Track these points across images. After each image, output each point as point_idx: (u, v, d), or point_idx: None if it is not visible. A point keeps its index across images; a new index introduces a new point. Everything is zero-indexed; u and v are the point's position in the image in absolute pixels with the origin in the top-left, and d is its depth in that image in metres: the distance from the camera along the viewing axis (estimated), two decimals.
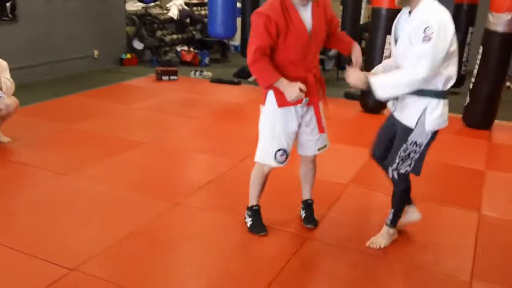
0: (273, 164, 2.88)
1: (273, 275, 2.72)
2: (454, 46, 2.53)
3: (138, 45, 8.49)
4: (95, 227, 3.15)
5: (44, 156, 4.23)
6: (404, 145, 2.69)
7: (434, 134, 2.69)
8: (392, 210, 2.98)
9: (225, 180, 3.94)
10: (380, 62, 5.59)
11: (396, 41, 2.71)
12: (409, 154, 2.71)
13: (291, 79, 2.65)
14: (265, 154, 2.88)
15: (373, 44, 5.85)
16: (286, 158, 2.87)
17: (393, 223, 3.00)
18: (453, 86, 7.40)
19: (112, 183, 3.76)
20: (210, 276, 2.71)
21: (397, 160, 2.74)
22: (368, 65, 5.44)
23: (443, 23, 2.45)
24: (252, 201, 3.14)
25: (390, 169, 2.82)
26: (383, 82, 2.59)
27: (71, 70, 7.29)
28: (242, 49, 8.56)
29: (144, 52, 8.68)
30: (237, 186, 3.84)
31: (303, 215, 3.24)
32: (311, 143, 2.96)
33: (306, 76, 2.73)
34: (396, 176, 2.82)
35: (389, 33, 5.86)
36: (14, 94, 4.39)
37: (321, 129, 2.91)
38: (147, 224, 3.19)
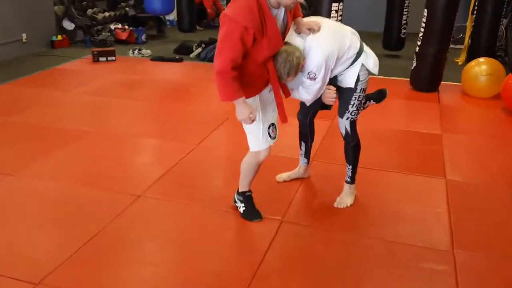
0: (269, 143, 2.79)
1: (256, 263, 2.59)
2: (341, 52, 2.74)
3: (68, 25, 7.94)
4: (54, 232, 2.88)
5: None
6: (355, 94, 2.90)
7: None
8: (350, 166, 3.14)
9: (185, 166, 3.73)
10: None
11: None
12: (360, 102, 2.94)
13: (254, 77, 2.60)
14: (259, 141, 2.78)
15: (319, 13, 5.72)
16: (276, 130, 2.82)
17: (353, 179, 3.17)
18: (393, 49, 7.57)
19: (64, 180, 3.47)
20: (187, 271, 2.55)
21: (350, 109, 2.92)
22: None
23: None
24: (244, 187, 3.00)
25: (342, 121, 2.97)
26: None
27: None
28: (179, 24, 8.23)
29: (76, 33, 8.14)
30: (198, 171, 3.66)
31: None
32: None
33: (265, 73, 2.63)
34: (349, 127, 2.98)
35: (335, 1, 5.83)
36: None
37: (283, 119, 2.75)
38: (111, 223, 2.94)
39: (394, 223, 3.01)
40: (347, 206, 3.15)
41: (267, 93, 2.76)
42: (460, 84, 5.78)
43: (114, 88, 5.75)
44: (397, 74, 6.34)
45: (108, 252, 2.69)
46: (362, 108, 3.02)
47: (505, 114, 5.01)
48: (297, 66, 2.58)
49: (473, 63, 5.67)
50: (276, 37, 2.49)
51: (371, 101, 3.17)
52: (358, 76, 2.85)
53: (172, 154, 3.91)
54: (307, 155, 3.42)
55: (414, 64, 5.79)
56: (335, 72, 2.83)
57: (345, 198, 3.18)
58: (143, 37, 8.22)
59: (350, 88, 2.89)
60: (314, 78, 2.68)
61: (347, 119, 2.97)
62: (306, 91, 2.78)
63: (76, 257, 2.62)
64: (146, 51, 7.35)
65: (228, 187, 3.24)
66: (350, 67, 2.84)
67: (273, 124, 2.80)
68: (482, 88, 5.49)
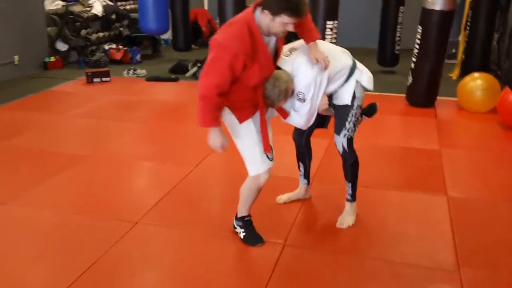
0: (268, 166, 2.73)
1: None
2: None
3: (62, 46, 7.91)
4: (49, 264, 2.79)
5: None
6: (352, 111, 2.89)
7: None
8: (350, 184, 3.11)
9: (183, 190, 3.66)
10: None
11: None
12: (357, 119, 2.93)
13: (246, 101, 2.59)
14: (257, 164, 2.71)
15: None
16: (272, 151, 2.76)
17: (353, 196, 3.14)
18: (388, 65, 7.55)
19: (59, 208, 3.38)
20: None
21: (347, 126, 2.91)
22: None
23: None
24: (243, 212, 2.93)
25: (340, 138, 2.95)
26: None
27: None
28: (174, 42, 8.22)
29: (70, 54, 8.11)
30: (196, 194, 3.61)
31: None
32: None
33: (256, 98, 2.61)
34: (346, 145, 2.95)
35: (329, 19, 5.84)
36: None
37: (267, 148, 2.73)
38: (107, 252, 2.85)
39: (397, 243, 2.97)
40: (349, 226, 3.12)
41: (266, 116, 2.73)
42: (456, 99, 5.78)
43: (109, 110, 5.70)
44: (393, 90, 6.34)
45: (105, 283, 2.61)
46: (358, 125, 3.00)
47: (502, 129, 5.01)
48: (286, 90, 2.60)
49: (468, 78, 5.68)
50: (268, 63, 2.49)
51: (363, 116, 3.12)
52: (354, 92, 2.85)
53: (170, 177, 3.85)
54: (306, 175, 3.38)
55: (410, 80, 5.79)
56: (330, 90, 2.82)
57: (347, 218, 3.15)
58: (138, 57, 8.20)
59: (346, 105, 2.88)
60: (303, 99, 2.68)
61: (344, 136, 2.95)
62: (298, 114, 2.76)
63: None
64: (141, 71, 7.32)
65: (228, 210, 3.19)
66: (345, 84, 2.84)
67: (270, 146, 2.75)
68: (478, 103, 5.50)
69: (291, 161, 3.44)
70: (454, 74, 7.18)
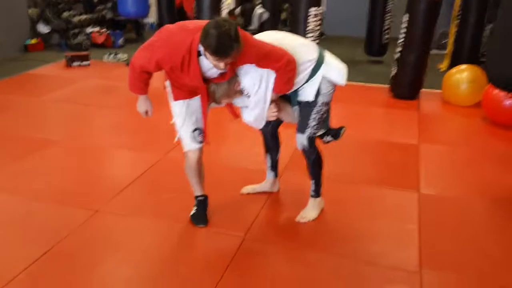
0: (195, 146, 2.79)
1: (214, 282, 2.45)
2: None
3: (43, 28, 7.73)
4: (1, 250, 2.70)
5: None
6: (316, 108, 2.75)
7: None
8: (313, 181, 3.00)
9: (149, 179, 3.56)
10: (303, 35, 5.42)
11: None
12: (322, 115, 2.79)
13: (181, 84, 2.65)
14: (186, 143, 2.81)
15: (296, 18, 5.58)
16: (203, 136, 2.80)
17: (317, 192, 3.04)
18: (375, 55, 7.37)
19: (19, 194, 3.29)
20: None
21: (310, 123, 2.78)
22: None
23: None
24: (196, 192, 3.00)
25: (302, 136, 2.81)
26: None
27: None
28: (159, 26, 8.03)
29: (52, 36, 7.93)
30: (162, 184, 3.50)
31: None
32: None
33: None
34: (306, 143, 2.82)
35: (313, 5, 5.69)
36: None
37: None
38: (64, 240, 2.78)
39: (362, 241, 2.86)
40: (309, 221, 3.01)
41: (197, 101, 2.72)
42: (441, 91, 5.65)
43: (86, 95, 5.56)
44: (378, 81, 6.21)
45: (59, 272, 2.53)
46: (323, 123, 2.87)
47: (485, 124, 4.88)
48: (228, 89, 2.58)
49: (454, 70, 5.55)
50: (196, 80, 2.49)
51: (329, 136, 3.03)
52: (319, 89, 2.71)
53: (137, 165, 3.75)
54: (273, 168, 3.27)
55: (394, 71, 5.66)
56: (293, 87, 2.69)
57: (308, 212, 3.05)
58: (120, 41, 8.03)
59: (308, 102, 2.74)
60: (248, 96, 2.62)
61: (308, 134, 2.81)
62: (246, 111, 2.72)
63: (24, 277, 2.47)
64: (122, 56, 7.16)
65: (191, 201, 3.08)
66: (310, 80, 2.69)
67: (198, 129, 2.77)
68: (463, 96, 5.37)
69: (262, 153, 3.32)
70: (443, 66, 7.04)
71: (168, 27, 2.48)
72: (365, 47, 7.36)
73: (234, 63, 2.46)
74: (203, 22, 2.38)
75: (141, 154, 3.97)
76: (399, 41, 5.53)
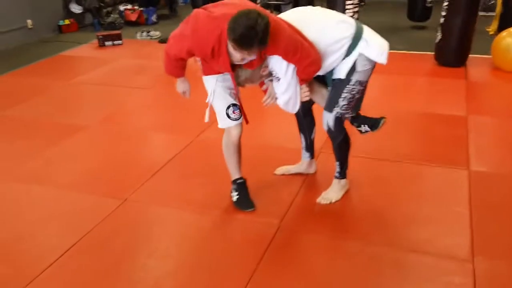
0: (231, 123, 2.70)
1: (247, 277, 2.31)
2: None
3: (76, 8, 7.66)
4: (31, 242, 2.64)
5: None
6: (348, 87, 2.57)
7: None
8: (338, 163, 2.87)
9: (180, 163, 3.43)
10: (343, 3, 5.17)
11: None
12: (354, 95, 2.60)
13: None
14: (222, 119, 2.72)
15: None
16: (240, 113, 2.71)
17: (342, 174, 2.90)
18: (418, 20, 6.91)
19: (49, 183, 3.22)
20: (175, 286, 2.29)
21: (340, 103, 2.60)
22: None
23: None
24: (234, 175, 2.88)
25: (328, 115, 2.65)
26: None
27: (2, 46, 6.49)
28: (192, 1, 7.85)
29: (85, 16, 7.87)
30: (194, 168, 3.36)
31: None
32: None
33: None
34: (332, 123, 2.66)
35: None
36: None
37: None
38: (92, 231, 2.69)
39: (406, 227, 2.65)
40: (331, 202, 2.86)
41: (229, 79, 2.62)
42: (491, 57, 5.26)
43: (117, 76, 5.46)
44: (422, 48, 5.85)
45: (88, 264, 2.45)
46: (354, 106, 2.66)
47: None
48: (251, 73, 2.52)
49: (504, 33, 5.15)
50: (225, 68, 2.47)
51: (366, 126, 2.82)
52: (354, 66, 2.50)
53: (167, 149, 3.64)
54: (308, 148, 3.07)
55: (439, 37, 5.29)
56: (326, 66, 2.51)
57: (331, 194, 2.90)
58: (153, 17, 7.90)
59: (341, 79, 2.56)
60: (278, 78, 2.51)
61: (335, 113, 2.63)
62: (278, 95, 2.60)
63: (54, 269, 2.40)
64: (155, 33, 7.02)
65: (224, 186, 2.94)
66: (346, 58, 2.49)
67: (234, 105, 2.69)
68: None
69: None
70: (492, 29, 6.58)
71: (197, 15, 2.38)
72: (408, 12, 6.97)
73: (264, 53, 2.40)
74: (230, 6, 2.33)
75: (173, 136, 3.85)
76: (444, 4, 5.16)
